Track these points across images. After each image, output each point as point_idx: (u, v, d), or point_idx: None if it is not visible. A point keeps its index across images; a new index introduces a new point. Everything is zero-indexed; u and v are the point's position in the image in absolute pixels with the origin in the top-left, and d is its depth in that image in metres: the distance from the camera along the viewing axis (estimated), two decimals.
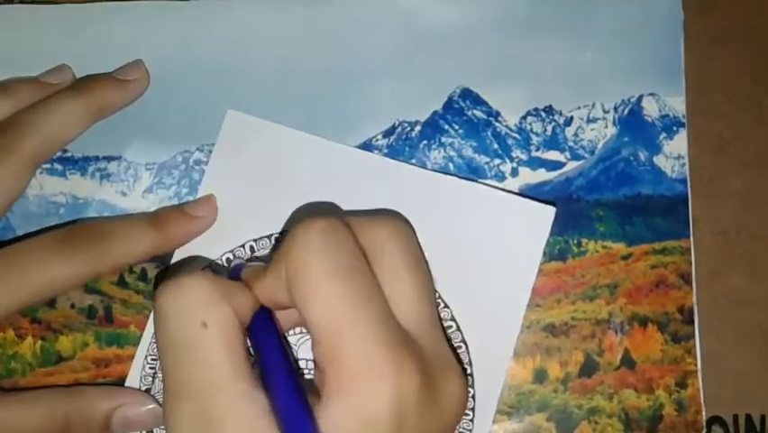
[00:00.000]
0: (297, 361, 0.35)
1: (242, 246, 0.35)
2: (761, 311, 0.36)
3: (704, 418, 0.35)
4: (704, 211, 0.36)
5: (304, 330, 0.34)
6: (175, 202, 0.37)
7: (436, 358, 0.27)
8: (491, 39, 0.37)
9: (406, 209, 0.34)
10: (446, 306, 0.34)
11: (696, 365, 0.35)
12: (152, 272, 0.36)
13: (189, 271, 0.28)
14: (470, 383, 0.34)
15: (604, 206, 0.36)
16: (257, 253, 0.35)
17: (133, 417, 0.33)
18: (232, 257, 0.35)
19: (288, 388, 0.26)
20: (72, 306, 0.36)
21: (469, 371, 0.34)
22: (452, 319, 0.34)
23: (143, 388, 0.35)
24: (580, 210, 0.36)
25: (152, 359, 0.35)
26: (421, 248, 0.30)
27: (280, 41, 0.37)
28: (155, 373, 0.35)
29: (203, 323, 0.26)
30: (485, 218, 0.34)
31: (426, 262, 0.30)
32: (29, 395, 0.33)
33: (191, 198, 0.37)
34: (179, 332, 0.26)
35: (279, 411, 0.25)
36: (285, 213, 0.35)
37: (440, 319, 0.30)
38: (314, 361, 0.27)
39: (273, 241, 0.35)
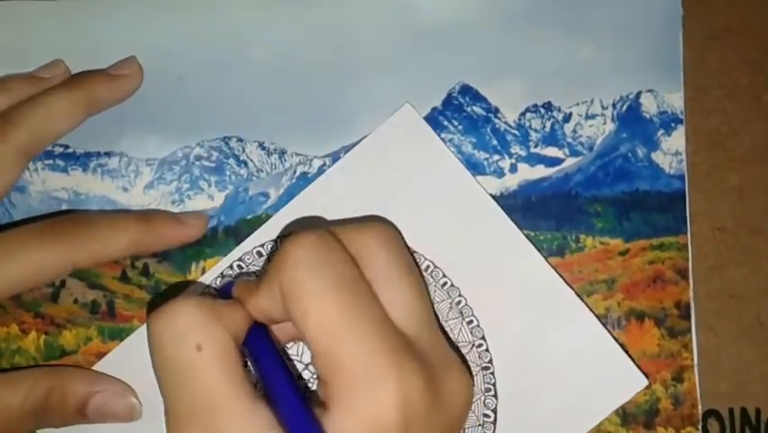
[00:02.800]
0: (300, 374, 0.35)
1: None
2: (759, 305, 0.36)
3: (700, 411, 0.35)
4: (702, 206, 0.36)
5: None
6: (176, 198, 0.37)
7: (437, 357, 0.28)
8: (490, 35, 0.37)
9: (510, 291, 0.35)
10: (495, 395, 0.35)
11: (692, 360, 0.35)
12: (154, 268, 0.36)
13: (181, 295, 0.28)
14: None
15: (602, 202, 0.36)
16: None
17: (109, 406, 0.34)
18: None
19: (293, 400, 0.26)
20: (75, 301, 0.36)
21: None
22: (494, 411, 0.35)
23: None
24: (578, 206, 0.36)
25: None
26: (410, 251, 0.30)
27: (279, 36, 0.37)
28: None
29: (197, 346, 0.26)
30: (581, 350, 0.34)
31: (417, 264, 0.30)
32: (13, 375, 0.33)
33: (192, 194, 0.37)
34: (176, 357, 0.27)
35: (286, 423, 0.26)
36: (392, 219, 0.35)
37: (437, 319, 0.30)
38: (316, 373, 0.27)
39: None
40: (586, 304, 0.35)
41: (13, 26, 0.37)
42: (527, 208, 0.36)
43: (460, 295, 0.35)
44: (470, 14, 0.37)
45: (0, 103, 0.35)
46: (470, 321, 0.35)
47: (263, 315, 0.29)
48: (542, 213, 0.36)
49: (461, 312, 0.35)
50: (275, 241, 0.36)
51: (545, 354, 0.35)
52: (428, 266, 0.35)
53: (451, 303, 0.35)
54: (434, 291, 0.35)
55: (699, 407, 0.35)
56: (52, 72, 0.36)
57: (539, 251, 0.35)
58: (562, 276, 0.35)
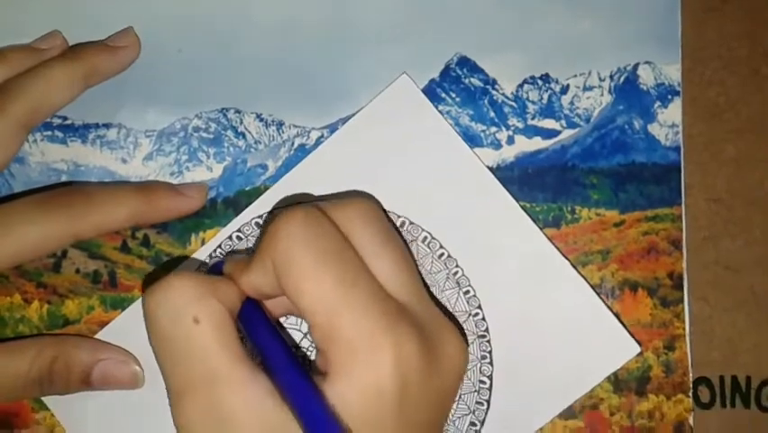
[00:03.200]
0: (298, 343, 0.36)
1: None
2: (752, 276, 0.36)
3: (691, 379, 0.36)
4: (697, 178, 0.37)
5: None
6: (175, 169, 0.37)
7: (430, 321, 0.28)
8: (489, 6, 0.37)
9: (506, 261, 0.35)
10: (491, 362, 0.35)
11: (684, 329, 0.36)
12: (154, 239, 0.37)
13: (174, 271, 0.29)
14: None
15: (598, 173, 0.36)
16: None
17: (113, 373, 0.34)
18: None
19: (291, 369, 0.27)
20: (77, 271, 0.37)
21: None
22: (489, 377, 0.35)
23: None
24: (574, 178, 0.36)
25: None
26: (393, 223, 0.31)
27: (278, 8, 0.37)
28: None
29: (194, 318, 0.27)
30: (575, 318, 0.35)
31: (400, 234, 0.31)
32: (17, 344, 0.34)
33: (190, 165, 0.37)
34: (173, 331, 0.27)
35: (286, 392, 0.26)
36: (390, 191, 0.35)
37: (426, 286, 0.31)
38: (314, 344, 0.28)
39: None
40: (581, 274, 0.35)
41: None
42: (524, 180, 0.36)
43: (457, 266, 0.35)
44: None
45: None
46: (467, 291, 0.35)
47: (255, 290, 0.29)
48: (538, 184, 0.36)
49: (457, 282, 0.35)
50: (269, 213, 0.36)
51: (540, 323, 0.35)
52: (425, 237, 0.35)
53: (448, 274, 0.35)
54: (432, 262, 0.35)
55: (691, 374, 0.36)
56: (50, 43, 0.36)
57: (535, 222, 0.36)
58: (557, 247, 0.35)
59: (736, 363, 0.36)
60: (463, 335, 0.30)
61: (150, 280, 0.36)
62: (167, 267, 0.36)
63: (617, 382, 0.36)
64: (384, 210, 0.31)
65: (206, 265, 0.36)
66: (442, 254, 0.36)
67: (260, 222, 0.36)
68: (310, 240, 0.27)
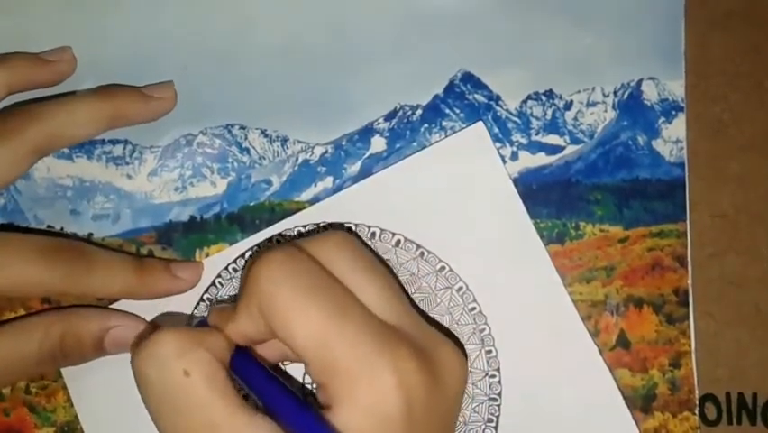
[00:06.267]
0: (303, 385, 0.35)
1: None
2: (758, 292, 0.36)
3: (697, 396, 0.36)
4: (702, 194, 0.36)
5: None
6: (179, 185, 0.37)
7: (424, 339, 0.28)
8: (492, 22, 0.37)
9: (537, 332, 0.35)
10: (495, 427, 0.35)
11: (690, 346, 0.36)
12: (159, 254, 0.37)
13: (159, 329, 0.28)
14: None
15: (602, 189, 0.36)
16: None
17: (126, 339, 0.34)
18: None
19: (293, 404, 0.27)
20: None
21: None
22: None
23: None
24: (578, 194, 0.36)
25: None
26: (372, 250, 0.31)
27: (282, 24, 0.37)
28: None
29: (184, 372, 0.27)
30: (589, 404, 0.35)
31: (382, 260, 0.31)
32: (24, 322, 0.34)
33: (194, 181, 0.37)
34: (165, 387, 0.27)
35: (292, 427, 0.26)
36: (436, 233, 0.35)
37: (416, 306, 0.31)
38: (313, 381, 0.28)
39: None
40: (609, 367, 0.35)
41: (15, 13, 0.38)
42: (528, 196, 0.36)
43: (485, 323, 0.35)
44: (471, 2, 0.37)
45: (0, 78, 0.35)
46: (490, 351, 0.35)
47: (244, 337, 0.29)
48: (542, 200, 0.36)
49: (482, 340, 0.35)
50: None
51: (555, 407, 0.35)
52: (461, 287, 0.35)
53: (474, 329, 0.35)
54: (461, 314, 0.35)
55: (696, 392, 0.36)
56: (58, 57, 0.36)
57: (540, 238, 0.36)
58: (592, 335, 0.35)
59: (741, 379, 0.36)
60: (461, 348, 0.30)
61: (138, 340, 0.35)
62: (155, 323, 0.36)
63: (623, 399, 0.35)
64: (365, 243, 0.31)
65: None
66: (473, 309, 0.35)
67: (303, 231, 0.36)
68: (293, 279, 0.27)
